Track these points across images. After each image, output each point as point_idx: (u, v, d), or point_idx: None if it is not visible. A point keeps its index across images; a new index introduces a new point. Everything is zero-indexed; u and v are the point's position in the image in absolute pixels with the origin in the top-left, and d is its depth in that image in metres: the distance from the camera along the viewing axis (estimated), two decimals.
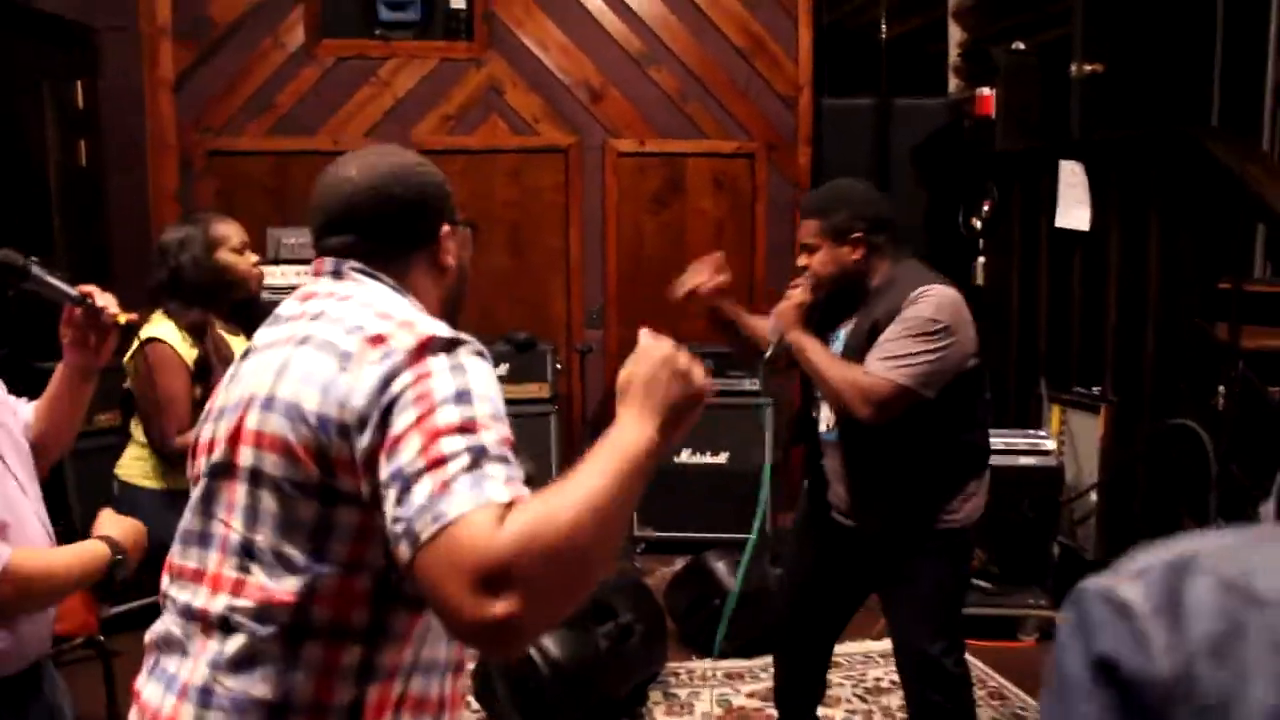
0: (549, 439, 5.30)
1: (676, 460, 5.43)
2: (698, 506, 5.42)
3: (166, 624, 1.43)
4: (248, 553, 1.34)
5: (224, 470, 1.38)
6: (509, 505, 1.14)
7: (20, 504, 1.87)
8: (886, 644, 4.33)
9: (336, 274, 1.48)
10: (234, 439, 1.36)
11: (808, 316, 2.87)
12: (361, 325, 1.33)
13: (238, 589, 1.34)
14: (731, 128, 5.81)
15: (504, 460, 1.19)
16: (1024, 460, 4.34)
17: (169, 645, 1.40)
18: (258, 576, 1.32)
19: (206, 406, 1.51)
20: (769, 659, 4.21)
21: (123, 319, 2.01)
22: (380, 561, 1.30)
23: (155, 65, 5.30)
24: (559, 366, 5.46)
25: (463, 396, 1.23)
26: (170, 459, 2.89)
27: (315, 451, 1.28)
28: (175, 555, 1.45)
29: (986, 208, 5.15)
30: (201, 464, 1.44)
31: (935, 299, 2.68)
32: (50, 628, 1.96)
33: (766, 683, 4.04)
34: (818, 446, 3.02)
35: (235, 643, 1.32)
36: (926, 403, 2.68)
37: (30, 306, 2.02)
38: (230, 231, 2.99)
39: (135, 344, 2.88)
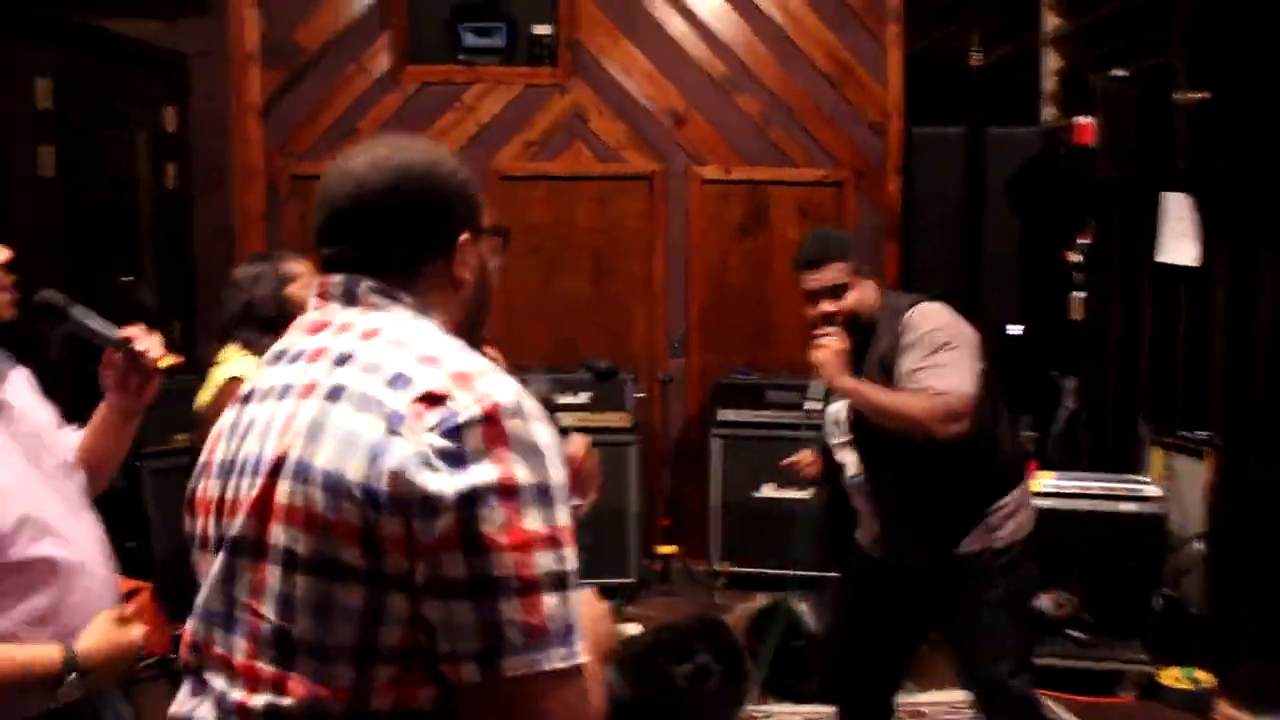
0: (629, 470, 5.20)
1: (758, 495, 5.30)
2: (780, 542, 5.27)
3: (202, 712, 1.26)
4: (285, 646, 1.16)
5: (248, 548, 1.19)
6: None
7: (73, 532, 1.81)
8: None
9: (349, 296, 1.29)
10: (260, 511, 1.18)
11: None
12: (406, 375, 1.16)
13: (279, 687, 1.17)
14: (818, 155, 5.69)
15: (577, 578, 1.15)
16: (1124, 506, 4.13)
17: None
18: (300, 673, 1.15)
19: (204, 456, 1.33)
20: None
21: (164, 363, 1.91)
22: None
23: (243, 91, 5.36)
24: (640, 395, 5.36)
25: (544, 493, 1.13)
26: None
27: (361, 529, 1.11)
28: (198, 630, 1.27)
29: (1084, 240, 4.95)
30: (211, 527, 1.27)
31: (926, 313, 2.79)
32: None
33: None
34: (841, 492, 3.04)
35: None
36: None
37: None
38: (300, 269, 3.00)
39: (215, 384, 2.83)
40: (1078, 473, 4.35)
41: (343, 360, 1.21)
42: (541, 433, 1.15)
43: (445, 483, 1.09)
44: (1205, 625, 4.22)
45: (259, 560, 1.18)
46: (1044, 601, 4.57)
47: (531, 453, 1.13)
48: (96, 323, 1.89)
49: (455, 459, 1.10)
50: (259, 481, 1.19)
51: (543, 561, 1.11)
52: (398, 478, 1.10)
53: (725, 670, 3.71)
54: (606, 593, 5.00)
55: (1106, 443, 4.90)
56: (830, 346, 2.85)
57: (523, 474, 1.11)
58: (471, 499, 1.09)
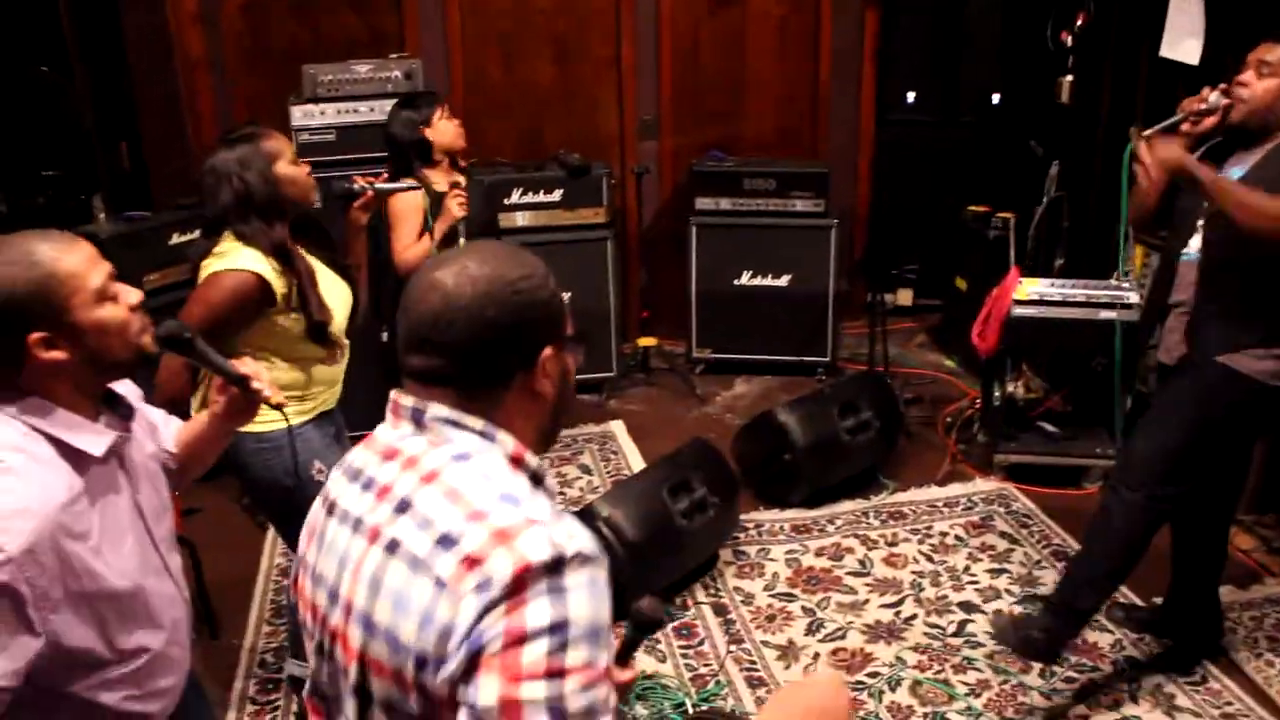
0: (605, 264, 5.14)
1: (737, 283, 5.31)
2: (758, 329, 5.35)
3: None
4: None
5: (339, 671, 1.34)
6: None
7: (155, 580, 1.82)
8: (950, 491, 4.40)
9: (418, 422, 1.35)
10: (341, 645, 1.32)
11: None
12: (453, 536, 1.23)
13: None
14: None
15: (587, 715, 1.19)
16: (1104, 314, 4.17)
17: None
18: None
19: (301, 546, 1.43)
20: (835, 509, 4.28)
21: (275, 400, 1.99)
22: None
23: None
24: (613, 181, 5.19)
25: (556, 630, 1.18)
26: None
27: (417, 685, 1.23)
28: (315, 691, 1.42)
29: (1080, 22, 4.71)
30: (309, 623, 1.39)
31: None
32: (183, 675, 1.94)
33: (834, 537, 4.11)
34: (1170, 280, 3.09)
35: None
36: None
37: None
38: (282, 145, 2.81)
39: (217, 279, 2.70)
40: (1060, 280, 4.37)
41: (403, 508, 1.29)
42: (575, 580, 1.21)
43: (467, 638, 1.18)
44: None
45: (346, 681, 1.32)
46: (1015, 387, 4.74)
47: (554, 594, 1.19)
48: (216, 355, 1.97)
49: (481, 615, 1.18)
50: (337, 614, 1.32)
51: (529, 691, 1.16)
52: (442, 641, 1.20)
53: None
54: (589, 388, 5.15)
55: (1087, 233, 4.90)
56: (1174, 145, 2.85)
57: (534, 613, 1.18)
58: (481, 639, 1.17)
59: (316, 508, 1.44)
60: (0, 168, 4.31)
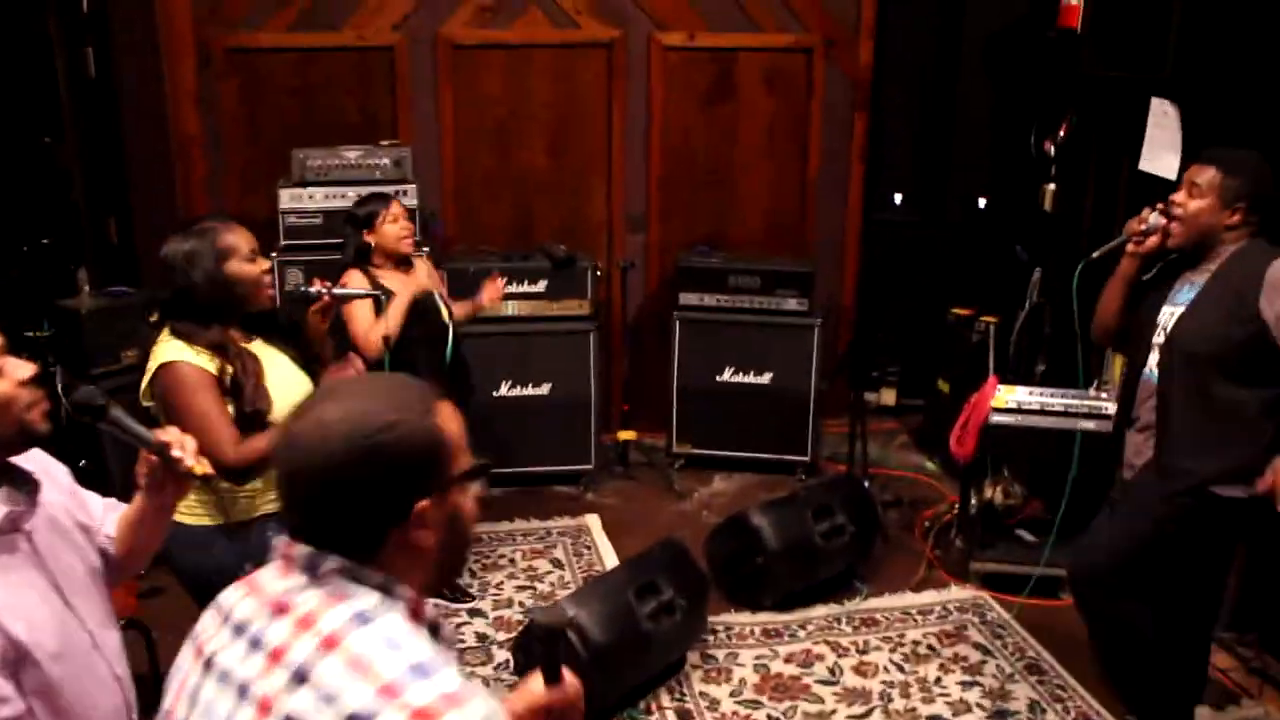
0: (588, 355, 5.13)
1: (719, 379, 5.29)
2: (739, 426, 5.32)
3: None
4: None
5: None
6: None
7: (84, 657, 1.77)
8: (925, 598, 4.33)
9: (313, 572, 1.26)
10: None
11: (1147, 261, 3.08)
12: (363, 715, 1.15)
13: None
14: (787, 20, 5.35)
15: None
16: (1083, 424, 4.14)
17: None
18: None
19: (167, 698, 1.35)
20: (807, 614, 4.21)
21: (199, 470, 1.90)
22: None
23: None
24: (599, 273, 5.21)
25: None
26: (236, 476, 2.65)
27: None
28: None
29: (1063, 132, 4.76)
30: None
31: None
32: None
33: (805, 643, 4.03)
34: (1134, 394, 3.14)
35: None
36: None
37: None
38: (239, 240, 2.73)
39: (148, 375, 2.68)
40: (1039, 389, 4.35)
41: (301, 678, 1.19)
42: None
43: None
44: None
45: None
46: (993, 494, 4.69)
47: None
48: (134, 424, 1.90)
49: None
50: None
51: None
52: None
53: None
54: (566, 480, 5.12)
55: (1069, 342, 4.87)
56: None
57: None
58: None
59: (188, 658, 1.35)
60: None
